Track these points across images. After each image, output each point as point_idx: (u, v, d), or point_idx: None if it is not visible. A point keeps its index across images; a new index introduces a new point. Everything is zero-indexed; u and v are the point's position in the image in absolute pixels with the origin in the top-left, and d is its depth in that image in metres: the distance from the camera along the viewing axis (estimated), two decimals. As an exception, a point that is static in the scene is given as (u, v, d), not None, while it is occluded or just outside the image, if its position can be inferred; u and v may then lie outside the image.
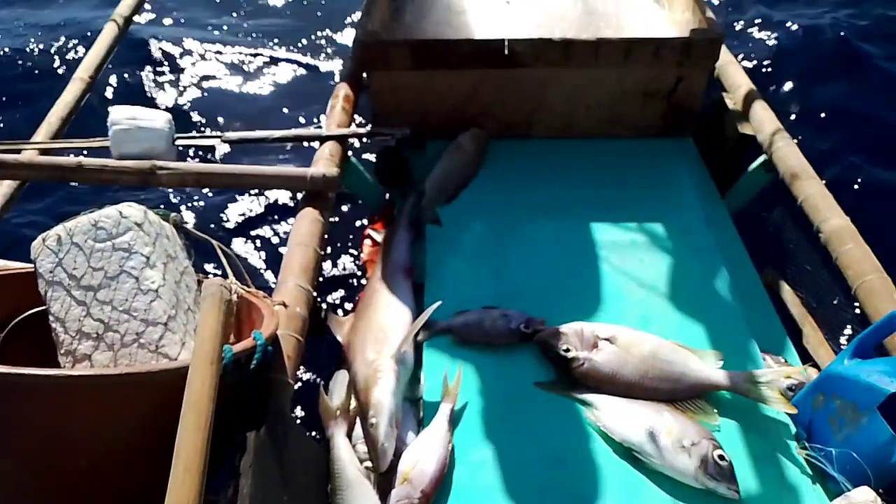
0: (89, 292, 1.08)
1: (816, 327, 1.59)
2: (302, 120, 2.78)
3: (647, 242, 1.63)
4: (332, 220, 1.66)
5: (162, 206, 1.33)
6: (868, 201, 2.36)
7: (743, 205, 1.90)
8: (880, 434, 1.08)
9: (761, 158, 1.77)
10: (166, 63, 3.13)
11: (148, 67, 3.09)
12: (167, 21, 3.41)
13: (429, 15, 2.01)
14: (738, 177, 1.87)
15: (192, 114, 2.81)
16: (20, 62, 3.15)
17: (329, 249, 2.12)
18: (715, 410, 1.26)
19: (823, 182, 1.61)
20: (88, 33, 3.23)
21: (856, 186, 2.38)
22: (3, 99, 2.93)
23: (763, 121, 1.77)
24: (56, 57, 3.16)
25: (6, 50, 3.20)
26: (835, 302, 1.58)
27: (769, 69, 3.06)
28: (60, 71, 3.05)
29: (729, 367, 1.30)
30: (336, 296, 2.05)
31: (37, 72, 3.08)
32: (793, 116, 2.67)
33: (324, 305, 1.57)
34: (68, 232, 1.12)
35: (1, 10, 3.62)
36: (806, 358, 1.48)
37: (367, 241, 1.83)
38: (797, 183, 1.60)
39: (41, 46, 3.22)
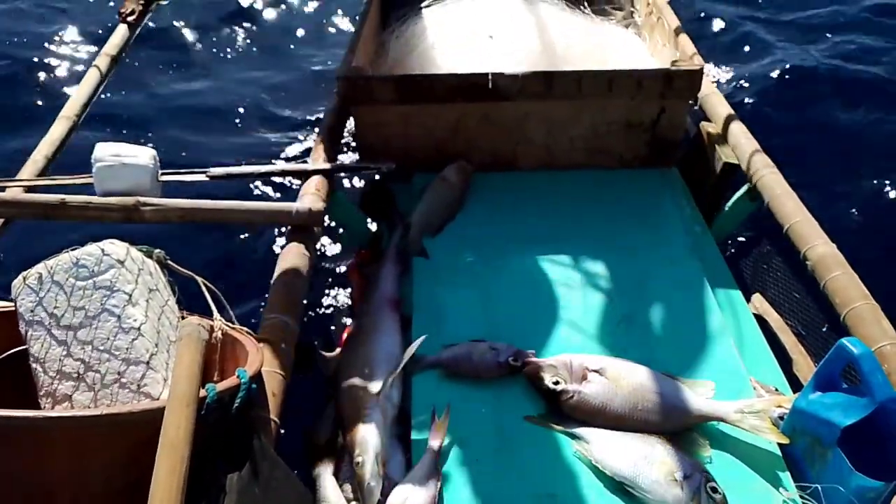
0: (70, 332, 1.06)
1: (806, 355, 1.59)
2: (289, 154, 2.78)
3: (635, 272, 1.63)
4: (318, 253, 1.66)
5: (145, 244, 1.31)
6: (852, 227, 2.38)
7: (729, 233, 1.91)
8: (844, 470, 1.07)
9: (745, 187, 1.78)
10: (153, 99, 3.15)
11: (135, 103, 3.10)
12: (154, 57, 3.43)
13: (413, 51, 2.03)
14: (723, 205, 1.88)
15: (178, 149, 2.81)
16: (5, 99, 3.15)
17: (315, 283, 2.10)
18: (707, 442, 1.25)
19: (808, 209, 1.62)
20: (78, 69, 3.26)
21: (839, 213, 2.40)
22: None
23: (746, 149, 1.79)
24: (43, 94, 3.16)
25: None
26: (824, 329, 1.58)
27: (750, 97, 3.11)
28: (47, 108, 3.05)
29: (719, 397, 1.29)
30: (323, 330, 2.03)
31: (23, 108, 3.08)
32: (774, 143, 2.71)
33: (310, 341, 1.55)
34: (49, 270, 1.11)
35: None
36: (797, 386, 1.47)
37: (354, 275, 1.82)
38: (782, 210, 1.61)
39: (28, 83, 3.23)
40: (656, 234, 1.75)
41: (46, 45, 3.58)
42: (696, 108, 2.02)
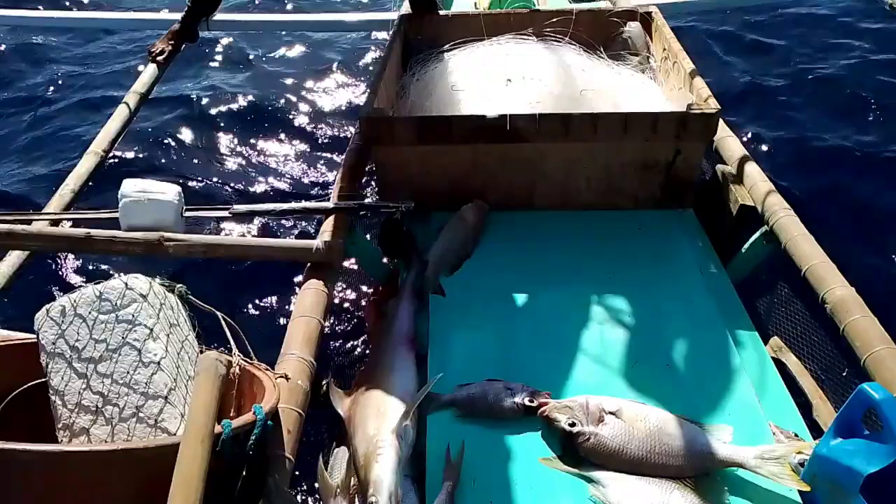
0: (90, 364, 1.08)
1: (826, 400, 1.57)
2: (310, 191, 2.83)
3: (651, 313, 1.63)
4: (336, 290, 1.68)
5: (161, 275, 1.34)
6: (868, 270, 2.36)
7: (745, 274, 1.90)
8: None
9: (762, 229, 1.78)
10: (180, 135, 3.22)
11: (163, 139, 3.18)
12: (181, 92, 3.52)
13: (432, 94, 2.07)
14: (739, 247, 1.88)
15: (202, 184, 2.87)
16: (38, 131, 3.24)
17: (333, 320, 2.12)
18: (725, 488, 1.23)
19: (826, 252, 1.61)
20: (109, 106, 3.35)
21: (856, 256, 2.38)
22: (20, 165, 3.01)
23: (762, 192, 1.79)
24: (75, 128, 3.25)
25: (25, 118, 3.30)
26: (844, 374, 1.56)
27: (766, 139, 3.12)
28: (77, 142, 3.13)
29: (737, 442, 1.27)
30: (339, 367, 2.04)
31: (54, 142, 3.17)
32: (789, 186, 2.71)
33: (326, 377, 1.56)
34: (73, 303, 1.13)
35: (18, 83, 3.74)
36: (817, 432, 1.45)
37: (371, 312, 1.83)
38: (799, 253, 1.61)
39: (61, 116, 3.32)
40: (672, 274, 1.74)
41: (78, 82, 3.69)
42: (712, 150, 2.03)
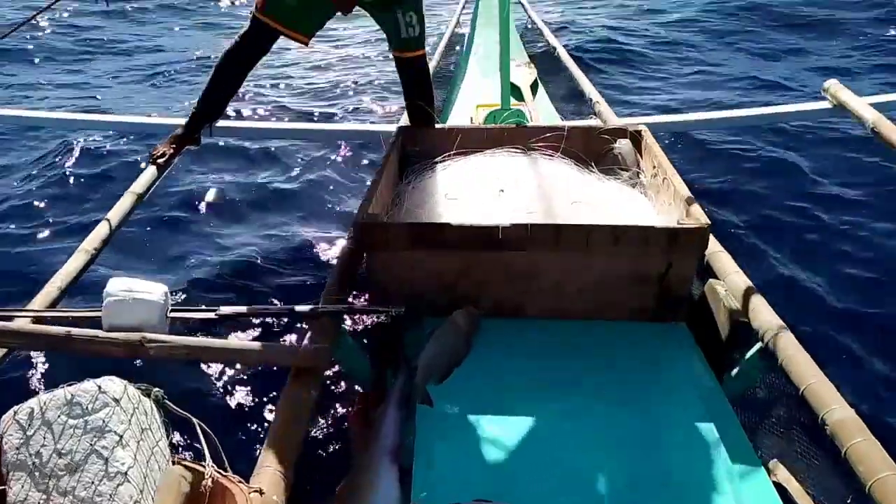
0: (52, 479, 1.02)
1: (831, 529, 1.49)
2: (299, 294, 2.81)
3: (646, 431, 1.57)
4: (320, 396, 1.63)
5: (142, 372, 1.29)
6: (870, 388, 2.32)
7: (741, 392, 1.86)
8: None
9: (757, 346, 1.76)
10: (171, 233, 3.24)
11: (154, 237, 3.19)
12: (175, 189, 3.56)
13: (427, 202, 2.11)
14: (734, 363, 1.85)
15: (190, 284, 2.85)
16: (31, 227, 3.26)
17: (316, 426, 2.04)
18: None
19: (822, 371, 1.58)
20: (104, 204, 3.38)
21: (856, 375, 2.35)
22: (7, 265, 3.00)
23: (756, 309, 1.78)
24: (66, 226, 3.27)
25: (21, 217, 3.32)
26: (849, 501, 1.50)
27: (759, 252, 3.16)
28: (68, 241, 3.14)
29: (739, 575, 1.19)
30: (319, 478, 1.94)
31: (45, 239, 3.18)
32: (784, 301, 2.71)
33: (306, 491, 1.48)
34: (42, 406, 1.08)
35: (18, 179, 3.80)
36: (823, 564, 1.37)
37: (355, 420, 1.76)
38: (796, 371, 1.57)
39: (53, 215, 3.35)
40: (666, 391, 1.70)
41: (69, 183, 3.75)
42: (703, 264, 2.04)
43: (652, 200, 2.20)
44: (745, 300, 1.82)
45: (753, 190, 3.72)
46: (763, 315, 1.74)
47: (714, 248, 2.01)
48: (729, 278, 1.91)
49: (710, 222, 1.85)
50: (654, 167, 2.27)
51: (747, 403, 1.96)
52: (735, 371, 1.83)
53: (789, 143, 4.15)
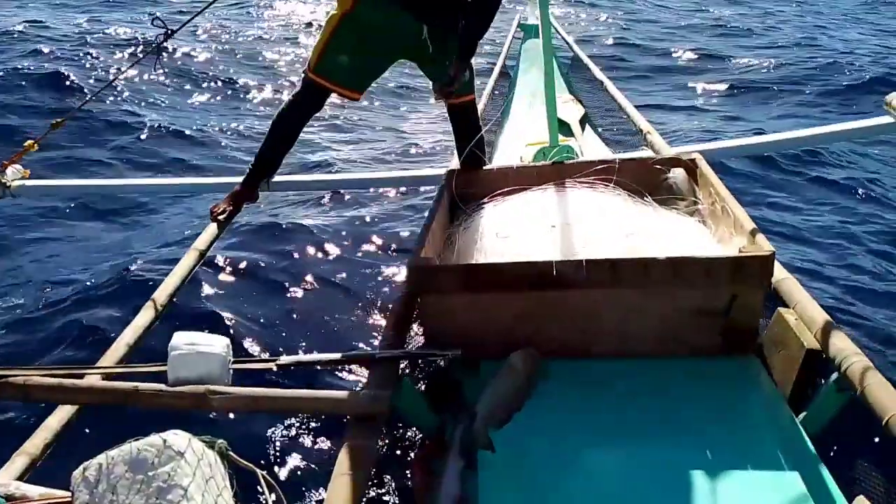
0: (120, 531, 1.03)
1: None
2: (356, 342, 2.83)
3: (719, 471, 1.50)
4: (381, 444, 1.62)
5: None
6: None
7: (821, 427, 1.75)
8: None
9: (833, 376, 1.67)
10: (232, 287, 3.32)
11: (216, 290, 3.28)
12: (229, 246, 3.66)
13: (479, 242, 2.10)
14: (810, 395, 1.75)
15: (250, 336, 2.90)
16: (99, 286, 3.39)
17: (377, 476, 2.02)
18: None
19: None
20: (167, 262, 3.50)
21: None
22: (84, 324, 3.12)
23: (831, 336, 1.70)
24: (133, 284, 3.39)
25: (89, 275, 3.47)
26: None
27: (827, 277, 3.03)
28: (136, 299, 3.25)
29: None
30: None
31: (113, 297, 3.30)
32: (859, 327, 2.57)
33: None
34: (109, 462, 1.11)
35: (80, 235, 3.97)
36: None
37: (417, 469, 1.74)
38: (877, 402, 1.48)
39: (118, 272, 3.48)
40: (742, 429, 1.62)
41: (142, 242, 3.91)
42: (770, 293, 1.96)
43: (711, 230, 2.14)
44: (817, 328, 1.73)
45: (817, 213, 3.60)
46: (838, 343, 1.65)
47: (781, 275, 1.93)
48: (799, 306, 1.83)
49: (774, 249, 1.79)
50: (712, 195, 2.21)
51: (827, 437, 1.85)
52: (812, 404, 1.74)
53: (851, 162, 4.01)
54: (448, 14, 2.36)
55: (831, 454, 1.74)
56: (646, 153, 2.97)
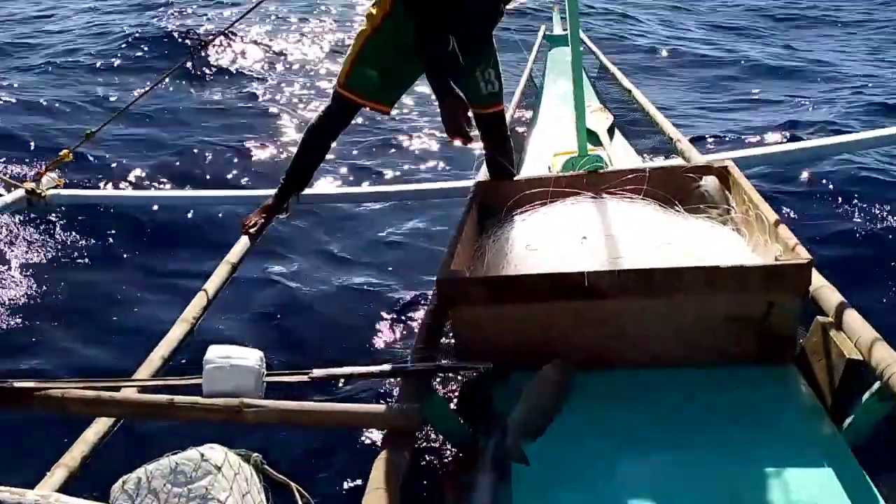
0: (158, 542, 1.05)
1: None
2: (388, 355, 2.84)
3: (758, 484, 1.47)
4: (413, 458, 1.61)
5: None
6: None
7: (863, 438, 1.71)
8: None
9: (875, 386, 1.62)
10: (264, 300, 3.35)
11: (249, 304, 3.32)
12: (260, 257, 3.68)
13: (508, 254, 2.09)
14: (852, 407, 1.71)
15: (283, 350, 2.93)
16: (131, 299, 3.45)
17: (408, 490, 2.02)
18: None
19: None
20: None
21: None
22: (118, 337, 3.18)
23: (870, 345, 1.65)
24: (167, 297, 3.45)
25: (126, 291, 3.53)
26: None
27: (867, 285, 2.96)
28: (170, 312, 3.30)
29: None
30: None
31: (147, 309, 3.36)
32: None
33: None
34: (148, 476, 1.12)
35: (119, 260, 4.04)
36: None
37: (449, 483, 1.73)
38: (923, 413, 1.44)
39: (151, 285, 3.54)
40: (781, 440, 1.59)
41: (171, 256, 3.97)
42: (808, 301, 1.92)
43: (745, 238, 2.10)
44: (857, 336, 1.69)
45: (855, 220, 3.52)
46: (879, 351, 1.61)
47: (819, 283, 1.89)
48: (838, 314, 1.79)
49: (811, 257, 1.75)
50: (745, 203, 2.18)
51: (870, 449, 1.80)
52: (854, 414, 1.69)
53: (889, 169, 3.93)
54: (476, 26, 2.37)
55: (875, 467, 1.70)
56: (676, 161, 2.94)
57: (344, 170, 5.09)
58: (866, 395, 1.65)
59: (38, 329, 3.30)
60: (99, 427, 1.70)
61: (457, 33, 2.36)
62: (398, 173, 5.07)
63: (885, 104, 5.38)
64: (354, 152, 5.42)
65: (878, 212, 3.56)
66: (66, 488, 1.49)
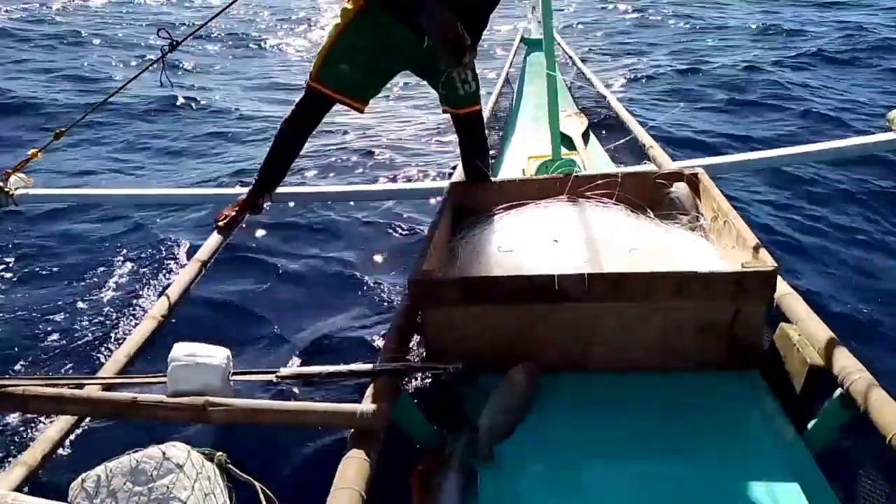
0: (116, 543, 1.03)
1: None
2: (356, 354, 2.82)
3: (721, 487, 1.49)
4: (380, 458, 1.61)
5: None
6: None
7: (824, 444, 1.74)
8: None
9: (837, 392, 1.66)
10: (233, 297, 3.32)
11: (218, 301, 3.28)
12: (236, 255, 3.66)
13: (481, 255, 2.10)
14: (813, 412, 1.74)
15: (250, 348, 2.90)
16: (99, 295, 3.39)
17: (375, 490, 2.01)
18: None
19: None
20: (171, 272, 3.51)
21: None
22: (83, 334, 3.12)
23: (834, 353, 1.69)
24: (135, 294, 3.39)
25: (94, 288, 3.47)
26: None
27: (831, 293, 3.02)
28: (137, 309, 3.26)
29: None
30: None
31: (115, 308, 3.30)
32: (862, 344, 2.55)
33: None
34: (108, 474, 1.10)
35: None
36: None
37: (416, 484, 1.73)
38: (881, 419, 1.47)
39: (119, 282, 3.48)
40: (744, 444, 1.61)
41: (142, 249, 3.91)
42: (773, 309, 1.95)
43: (714, 245, 2.14)
44: (820, 344, 1.72)
45: (819, 229, 3.59)
46: (841, 359, 1.64)
47: (784, 290, 1.93)
48: (802, 322, 1.82)
49: (777, 264, 1.78)
50: (714, 210, 2.21)
51: (830, 455, 1.84)
52: (815, 421, 1.73)
53: (851, 178, 4.01)
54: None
55: (834, 471, 1.73)
56: (648, 167, 2.97)
57: (319, 168, 5.07)
58: (828, 402, 1.69)
59: (1, 326, 3.23)
60: (61, 425, 1.67)
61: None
62: (373, 173, 5.05)
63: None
64: (330, 151, 5.39)
65: (844, 223, 3.64)
66: (24, 487, 1.46)
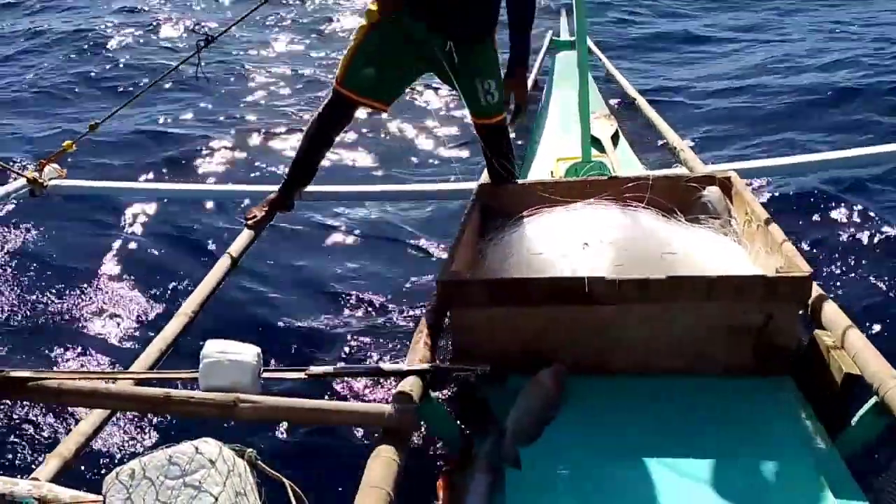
0: (151, 535, 1.05)
1: None
2: (386, 353, 2.83)
3: (752, 493, 1.47)
4: (407, 458, 1.61)
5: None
6: None
7: (857, 451, 1.71)
8: None
9: (872, 401, 1.62)
10: (264, 296, 3.35)
11: (248, 299, 3.32)
12: (262, 258, 3.69)
13: (509, 258, 2.10)
14: (847, 420, 1.71)
15: (280, 346, 2.93)
16: (131, 291, 3.46)
17: (403, 490, 2.02)
18: None
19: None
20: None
21: None
22: (117, 329, 3.18)
23: (868, 360, 1.65)
24: (166, 289, 3.45)
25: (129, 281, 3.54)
26: None
27: (868, 300, 2.95)
28: (169, 305, 3.30)
29: None
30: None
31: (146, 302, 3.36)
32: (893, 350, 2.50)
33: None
34: (142, 467, 1.12)
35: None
36: None
37: (442, 485, 1.73)
38: (919, 431, 1.44)
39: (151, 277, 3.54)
40: (774, 451, 1.59)
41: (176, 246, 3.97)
42: (807, 314, 1.92)
43: (746, 249, 2.11)
44: (855, 351, 1.69)
45: (856, 235, 3.52)
46: (877, 367, 1.61)
47: (818, 296, 1.89)
48: (836, 328, 1.79)
49: (811, 270, 1.75)
50: (747, 214, 2.18)
51: (864, 464, 1.80)
52: (849, 428, 1.69)
53: (893, 184, 3.92)
54: (471, 29, 2.36)
55: (869, 482, 1.69)
56: (679, 171, 2.94)
57: (348, 168, 5.09)
58: (863, 410, 1.65)
59: (37, 319, 3.30)
60: (94, 418, 1.71)
61: (453, 37, 2.34)
62: (402, 173, 5.06)
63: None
64: (359, 150, 5.41)
65: (883, 225, 3.55)
66: (59, 479, 1.49)
